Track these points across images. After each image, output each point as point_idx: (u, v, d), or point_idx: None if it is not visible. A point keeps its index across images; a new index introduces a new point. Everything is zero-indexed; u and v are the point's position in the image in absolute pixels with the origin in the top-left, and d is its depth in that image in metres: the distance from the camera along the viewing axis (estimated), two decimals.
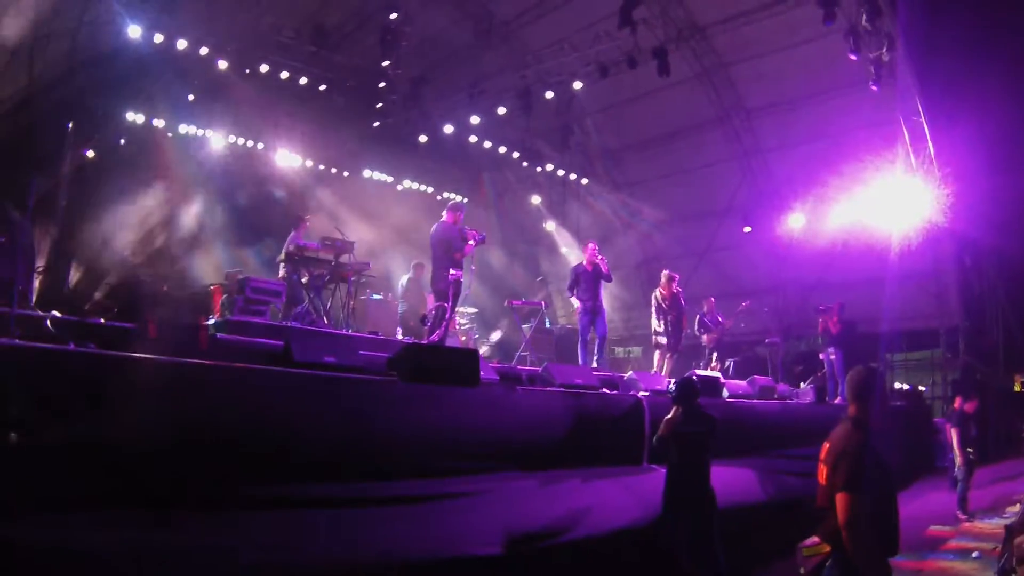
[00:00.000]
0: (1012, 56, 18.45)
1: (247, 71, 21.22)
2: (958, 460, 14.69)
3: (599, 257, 16.20)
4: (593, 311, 15.73)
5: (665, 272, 17.53)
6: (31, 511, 5.21)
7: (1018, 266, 21.49)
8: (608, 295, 21.15)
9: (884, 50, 19.34)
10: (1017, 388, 22.69)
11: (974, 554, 11.28)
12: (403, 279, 19.12)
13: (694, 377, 10.72)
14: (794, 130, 24.00)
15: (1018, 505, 13.66)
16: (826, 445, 5.48)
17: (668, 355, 17.06)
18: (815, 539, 5.36)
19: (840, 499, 5.08)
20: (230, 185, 23.36)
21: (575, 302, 15.96)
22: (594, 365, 15.13)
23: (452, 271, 12.92)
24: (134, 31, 18.17)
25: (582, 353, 15.97)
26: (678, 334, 17.22)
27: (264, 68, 21.23)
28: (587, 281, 15.93)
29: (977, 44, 18.93)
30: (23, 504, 5.20)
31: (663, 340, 16.99)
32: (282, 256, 15.71)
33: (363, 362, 8.57)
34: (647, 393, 11.87)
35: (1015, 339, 22.12)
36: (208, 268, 20.92)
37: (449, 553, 6.99)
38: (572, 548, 8.09)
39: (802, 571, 5.41)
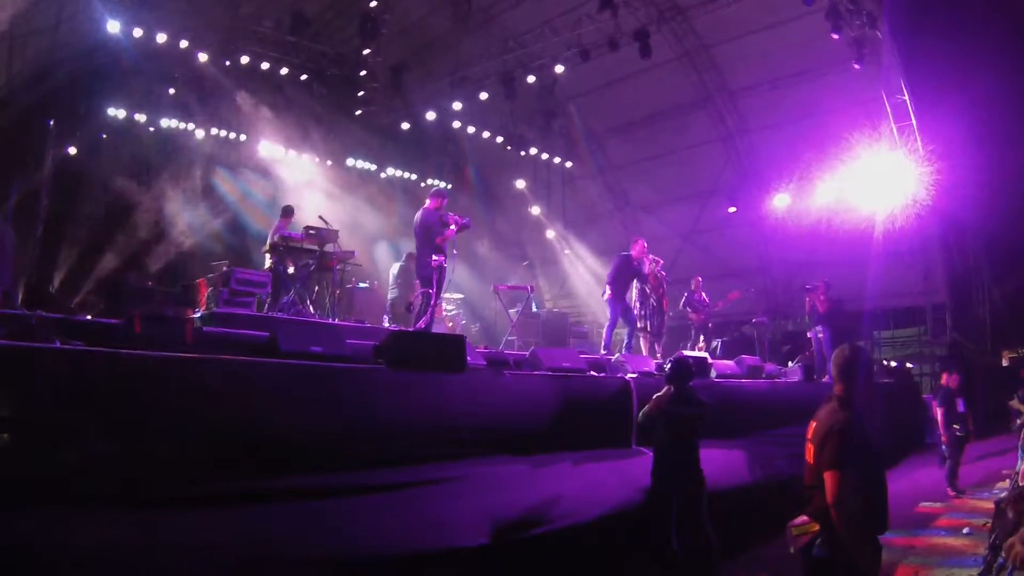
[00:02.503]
0: (996, 33, 18.43)
1: (227, 63, 21.17)
2: (943, 438, 14.78)
3: (647, 255, 16.35)
4: (625, 299, 15.82)
5: (649, 256, 17.49)
6: (27, 511, 5.18)
7: (1002, 242, 21.51)
8: (593, 278, 21.15)
9: (865, 29, 19.37)
10: (1005, 363, 22.73)
11: (965, 530, 11.32)
12: (394, 267, 19.01)
13: (688, 360, 10.69)
14: (778, 110, 24.01)
15: (1007, 480, 13.70)
16: (813, 424, 5.48)
17: (651, 339, 17.03)
18: (804, 518, 5.35)
19: (828, 477, 5.09)
20: (213, 177, 23.33)
21: (606, 291, 15.83)
22: (623, 350, 15.20)
23: (435, 257, 12.86)
24: (113, 26, 18.08)
25: (608, 331, 16.05)
26: (660, 318, 17.19)
27: (244, 60, 21.18)
28: (630, 274, 16.01)
29: (961, 21, 18.91)
30: (19, 505, 5.17)
31: (641, 324, 16.92)
32: (267, 247, 15.65)
33: (350, 351, 8.54)
34: (635, 375, 11.86)
35: (1001, 315, 22.18)
36: (193, 261, 20.86)
37: (438, 544, 6.97)
38: (561, 535, 8.08)
39: (792, 550, 5.40)
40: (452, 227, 13.11)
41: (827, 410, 5.42)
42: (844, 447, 5.10)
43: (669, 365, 9.92)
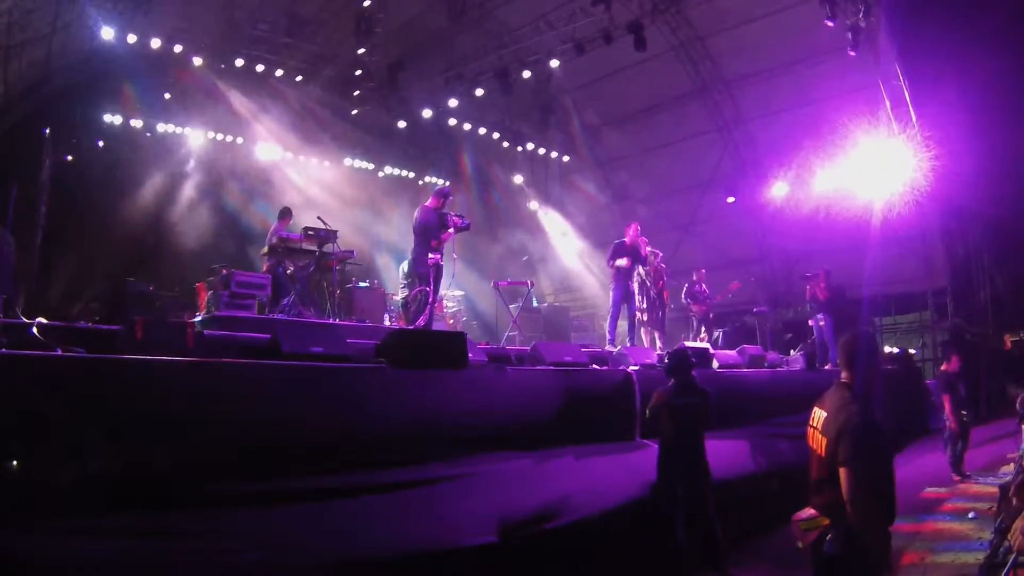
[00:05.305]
0: (995, 17, 18.37)
1: (222, 66, 21.18)
2: (950, 424, 14.67)
3: (641, 238, 16.33)
4: (626, 289, 15.78)
5: (644, 239, 17.38)
6: (29, 520, 5.17)
7: (1002, 227, 21.48)
8: (595, 273, 21.04)
9: (860, 15, 19.33)
10: (1007, 347, 22.70)
11: (970, 514, 11.29)
12: (404, 264, 18.88)
13: (688, 350, 10.68)
14: (775, 98, 24.02)
15: (1012, 464, 13.69)
16: (823, 414, 5.28)
17: (653, 331, 16.99)
18: (811, 511, 5.22)
19: (844, 473, 4.90)
20: (211, 181, 23.33)
21: (621, 262, 15.66)
22: (626, 343, 15.30)
23: (431, 255, 12.89)
24: (107, 33, 18.05)
25: (611, 323, 16.16)
26: (661, 310, 17.15)
27: (239, 62, 21.17)
28: (625, 256, 15.81)
29: (958, 5, 18.87)
30: (22, 512, 5.16)
31: (644, 317, 16.86)
32: (266, 249, 15.64)
33: (351, 351, 8.53)
34: (637, 368, 11.82)
35: (1003, 299, 22.16)
36: (192, 265, 20.84)
37: (445, 543, 6.97)
38: (567, 530, 8.07)
39: (800, 545, 5.27)
40: (450, 229, 13.13)
41: (837, 400, 5.25)
42: (860, 442, 4.97)
43: (668, 358, 9.92)
